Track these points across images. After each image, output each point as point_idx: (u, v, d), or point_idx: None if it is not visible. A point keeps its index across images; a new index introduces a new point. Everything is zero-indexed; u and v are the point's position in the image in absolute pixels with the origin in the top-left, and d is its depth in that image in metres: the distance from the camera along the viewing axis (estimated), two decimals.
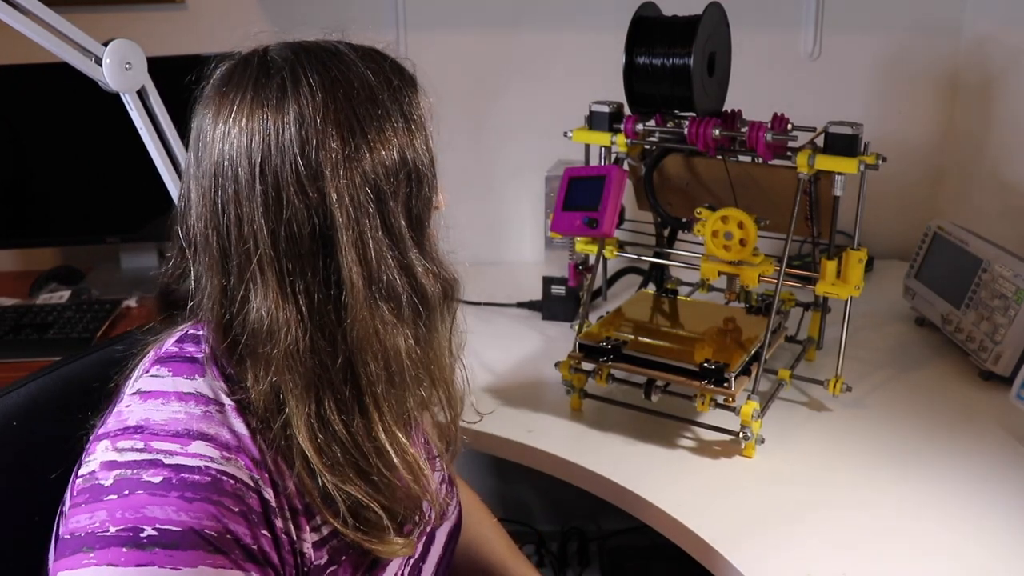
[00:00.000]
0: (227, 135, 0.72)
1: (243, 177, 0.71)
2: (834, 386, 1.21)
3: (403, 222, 0.75)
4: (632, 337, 1.22)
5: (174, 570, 0.65)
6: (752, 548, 0.97)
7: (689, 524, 1.01)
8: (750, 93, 1.28)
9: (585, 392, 1.25)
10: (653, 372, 1.16)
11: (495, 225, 1.91)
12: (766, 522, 1.02)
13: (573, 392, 1.25)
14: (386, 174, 0.74)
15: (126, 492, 0.67)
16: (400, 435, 0.76)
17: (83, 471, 0.71)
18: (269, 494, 0.71)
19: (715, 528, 1.00)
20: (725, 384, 1.12)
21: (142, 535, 0.65)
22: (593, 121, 1.29)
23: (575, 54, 1.77)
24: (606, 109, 1.27)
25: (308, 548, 0.74)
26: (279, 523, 0.72)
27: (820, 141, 1.13)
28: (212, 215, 0.73)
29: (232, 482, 0.69)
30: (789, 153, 1.15)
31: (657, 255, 1.35)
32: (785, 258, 1.15)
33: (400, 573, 0.84)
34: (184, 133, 1.38)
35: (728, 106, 1.24)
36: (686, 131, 1.18)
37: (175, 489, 0.67)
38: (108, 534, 0.66)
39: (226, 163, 0.72)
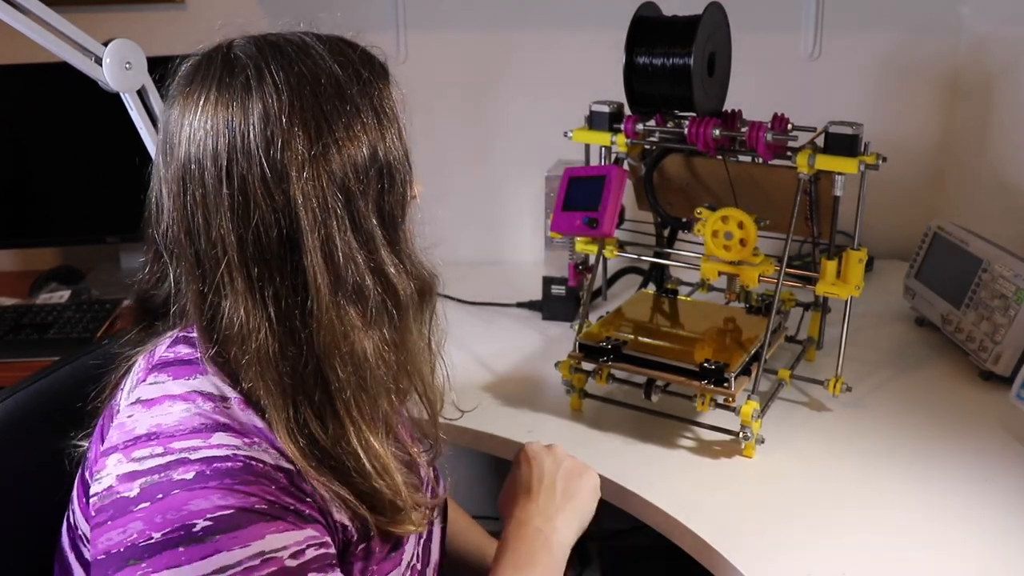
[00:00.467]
0: (192, 137, 0.71)
1: (210, 181, 0.70)
2: (834, 386, 1.21)
3: (374, 221, 0.73)
4: (632, 337, 1.22)
5: (244, 547, 0.65)
6: (752, 548, 0.97)
7: (689, 524, 1.01)
8: (750, 93, 1.28)
9: (585, 392, 1.25)
10: (653, 372, 1.16)
11: (495, 225, 1.91)
12: (766, 522, 1.01)
13: (573, 392, 1.25)
14: (356, 173, 0.72)
15: (159, 496, 0.66)
16: (374, 442, 0.74)
17: (96, 489, 0.70)
18: (296, 474, 0.71)
19: (715, 528, 1.00)
20: (725, 384, 1.12)
21: (195, 529, 0.64)
22: (593, 121, 1.29)
23: (575, 54, 1.77)
24: (606, 109, 1.27)
25: (347, 520, 0.74)
26: (316, 496, 0.72)
27: (820, 141, 1.13)
28: (182, 219, 0.72)
29: (261, 465, 0.69)
30: (789, 153, 1.15)
31: (657, 255, 1.35)
32: (785, 258, 1.15)
33: (415, 553, 0.85)
34: None
35: (728, 106, 1.24)
36: (686, 131, 1.18)
37: (212, 479, 0.66)
38: (153, 541, 0.65)
39: (193, 166, 0.71)
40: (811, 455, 1.14)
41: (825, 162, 1.11)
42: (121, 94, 1.25)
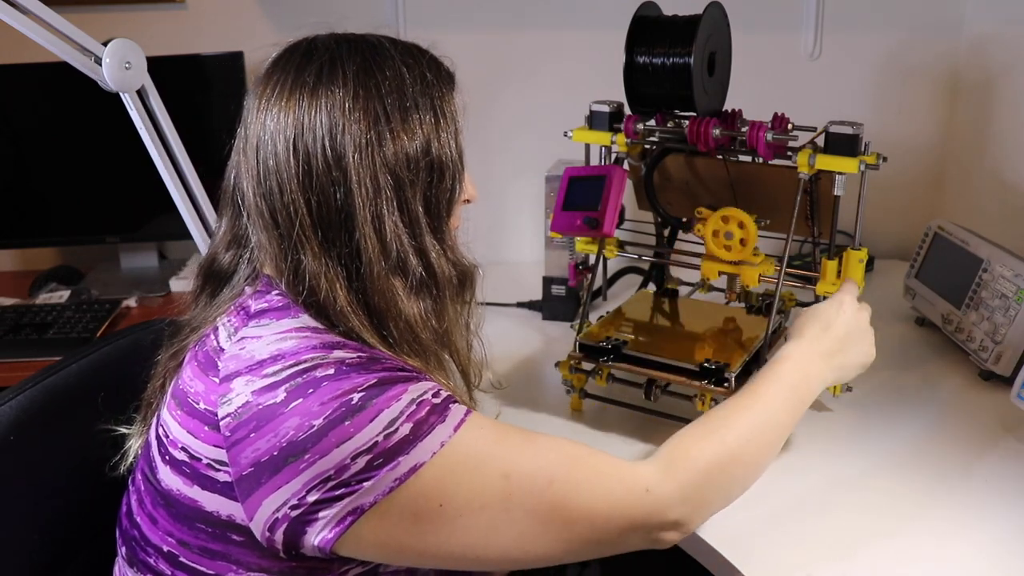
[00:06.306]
0: (269, 113, 0.80)
1: (280, 152, 0.79)
2: (834, 386, 1.21)
3: (420, 208, 0.82)
4: (632, 337, 1.22)
5: (398, 401, 0.74)
6: (752, 548, 0.97)
7: None
8: (750, 93, 1.28)
9: (585, 392, 1.25)
10: (653, 372, 1.16)
11: (495, 225, 1.91)
12: (766, 522, 1.01)
13: (573, 392, 1.25)
14: (407, 162, 0.80)
15: (310, 391, 0.73)
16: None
17: (228, 410, 0.76)
18: None
19: (715, 528, 1.00)
20: (725, 384, 1.12)
21: (353, 402, 0.73)
22: (593, 121, 1.28)
23: (575, 54, 1.77)
24: (606, 109, 1.27)
25: None
26: None
27: (820, 141, 1.13)
28: (258, 184, 0.81)
29: (384, 359, 0.78)
30: (789, 153, 1.15)
31: (657, 255, 1.35)
32: (785, 258, 1.15)
33: None
34: (183, 130, 1.38)
35: (728, 106, 1.24)
36: (686, 131, 1.18)
37: (352, 368, 0.75)
38: (316, 428, 0.72)
39: (267, 138, 0.80)
40: (811, 455, 1.14)
41: (825, 162, 1.11)
42: (121, 94, 1.25)
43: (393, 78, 0.81)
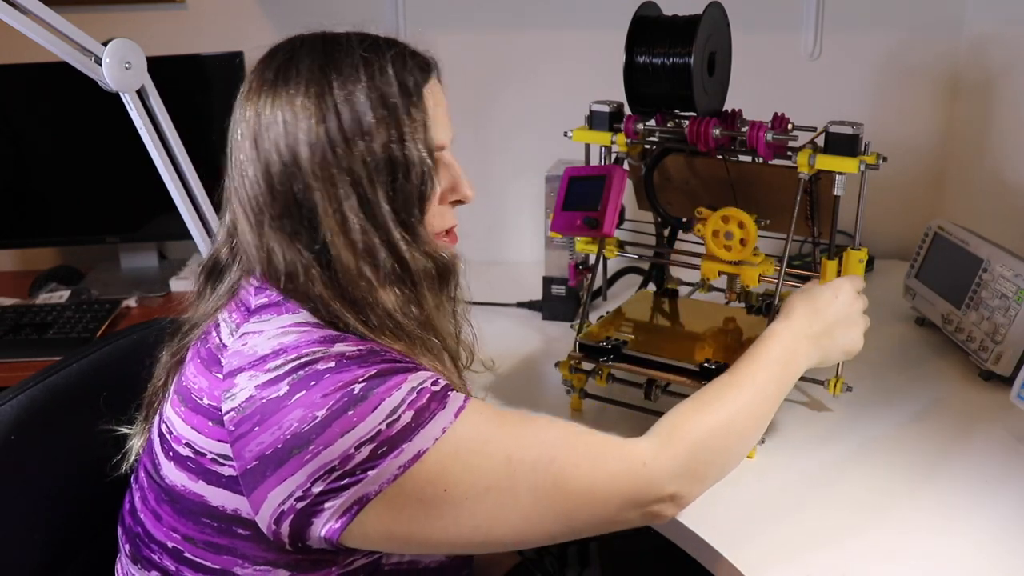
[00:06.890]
0: (241, 111, 0.83)
1: (247, 148, 0.81)
2: (834, 386, 1.21)
3: (386, 205, 0.81)
4: (632, 337, 1.22)
5: (399, 390, 0.75)
6: (752, 548, 0.97)
7: (689, 524, 1.01)
8: (750, 93, 1.28)
9: (585, 392, 1.25)
10: (653, 372, 1.16)
11: (495, 225, 1.91)
12: (766, 522, 1.01)
13: (573, 392, 1.25)
14: (363, 159, 0.80)
15: (312, 384, 0.74)
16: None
17: (231, 404, 0.76)
18: None
19: (715, 528, 1.00)
20: None
21: (355, 392, 0.74)
22: (593, 121, 1.28)
23: (575, 54, 1.77)
24: (606, 109, 1.27)
25: None
26: None
27: (820, 141, 1.13)
28: (232, 178, 0.84)
29: (383, 351, 0.79)
30: (789, 153, 1.15)
31: (657, 255, 1.35)
32: (785, 258, 1.15)
33: None
34: (183, 130, 1.39)
35: (728, 106, 1.24)
36: (686, 131, 1.18)
37: (351, 362, 0.76)
38: (319, 419, 0.73)
39: (238, 134, 0.83)
40: (811, 455, 1.14)
41: (825, 162, 1.11)
42: (121, 94, 1.25)
43: (350, 75, 0.80)
